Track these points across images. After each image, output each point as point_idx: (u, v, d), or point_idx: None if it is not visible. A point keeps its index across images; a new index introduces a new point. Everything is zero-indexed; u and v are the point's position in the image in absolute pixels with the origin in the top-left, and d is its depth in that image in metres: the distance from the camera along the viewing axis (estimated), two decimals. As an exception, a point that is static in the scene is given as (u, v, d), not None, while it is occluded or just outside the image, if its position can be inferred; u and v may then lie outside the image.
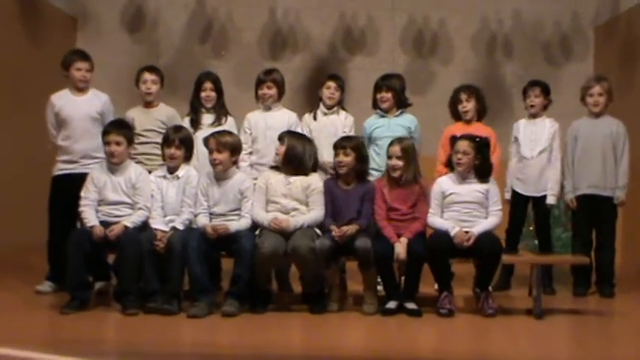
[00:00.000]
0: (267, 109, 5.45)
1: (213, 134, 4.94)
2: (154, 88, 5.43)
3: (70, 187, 5.07)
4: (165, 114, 5.43)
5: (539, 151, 5.68)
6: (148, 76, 5.44)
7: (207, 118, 5.45)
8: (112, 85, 6.16)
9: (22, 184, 6.86)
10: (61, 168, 5.32)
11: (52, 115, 5.35)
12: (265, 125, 5.37)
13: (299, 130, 5.29)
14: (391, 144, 5.06)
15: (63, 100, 5.35)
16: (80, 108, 5.32)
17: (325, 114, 5.53)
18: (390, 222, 5.04)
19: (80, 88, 5.36)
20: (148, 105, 5.48)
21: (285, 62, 7.77)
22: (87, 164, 5.22)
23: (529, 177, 5.71)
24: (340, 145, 5.04)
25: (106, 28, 8.01)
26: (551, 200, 5.69)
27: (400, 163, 4.99)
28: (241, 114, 5.58)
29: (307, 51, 7.89)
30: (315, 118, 5.53)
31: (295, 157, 4.96)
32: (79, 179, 5.01)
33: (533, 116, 5.78)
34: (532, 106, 5.75)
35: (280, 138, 5.03)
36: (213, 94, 5.44)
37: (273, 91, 5.41)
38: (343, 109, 5.59)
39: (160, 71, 5.52)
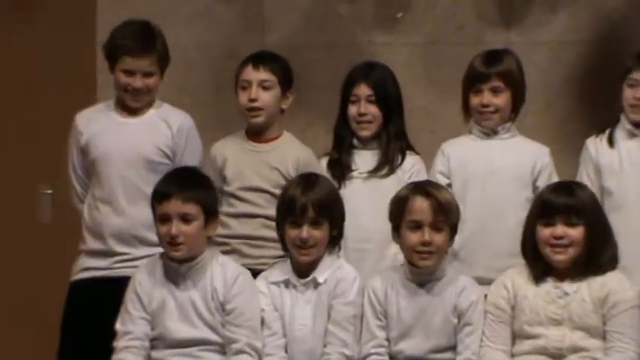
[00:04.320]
0: (489, 134, 4.58)
1: (425, 190, 4.23)
2: (265, 99, 4.54)
3: (100, 306, 4.33)
4: (294, 158, 4.61)
5: None
6: (252, 75, 4.57)
7: (364, 160, 4.65)
8: (183, 94, 5.24)
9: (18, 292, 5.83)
10: (87, 266, 4.51)
11: (77, 152, 4.58)
12: (485, 167, 4.54)
13: (553, 176, 4.55)
14: None
15: (97, 125, 4.60)
16: (126, 142, 4.52)
17: (635, 135, 4.62)
18: None
19: (132, 107, 4.58)
20: (257, 136, 4.63)
21: (532, 32, 5.88)
22: (136, 258, 4.43)
23: None
24: None
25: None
26: None
27: None
28: (436, 144, 4.71)
29: (585, 6, 6.01)
30: (611, 143, 4.61)
31: (596, 250, 4.17)
32: (119, 291, 4.27)
33: None
34: None
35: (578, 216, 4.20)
36: (373, 109, 4.58)
37: (503, 100, 4.51)
38: None
39: (277, 61, 4.67)
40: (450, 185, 4.49)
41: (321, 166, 4.64)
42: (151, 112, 4.59)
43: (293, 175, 4.50)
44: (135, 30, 4.62)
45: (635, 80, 4.43)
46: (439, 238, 4.12)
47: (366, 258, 4.40)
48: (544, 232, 4.06)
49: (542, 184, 4.40)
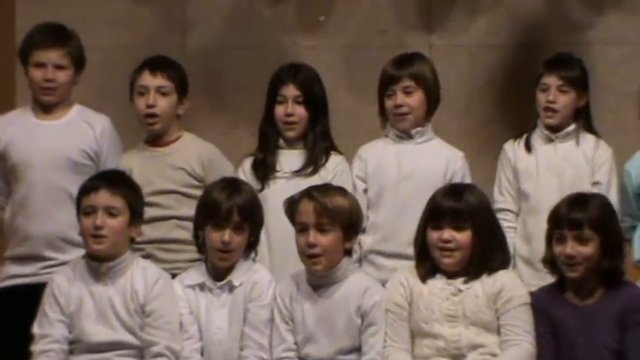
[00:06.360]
0: (403, 138, 4.61)
1: (309, 193, 4.20)
2: (163, 105, 4.55)
3: (25, 313, 4.25)
4: (197, 156, 4.59)
5: None
6: (149, 81, 4.55)
7: (289, 160, 4.63)
8: (103, 97, 5.23)
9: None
10: (12, 274, 4.52)
11: None
12: (398, 172, 4.56)
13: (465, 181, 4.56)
14: None
15: (15, 130, 4.58)
16: (49, 144, 4.51)
17: (551, 140, 4.64)
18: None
19: (47, 105, 4.52)
20: (156, 141, 4.61)
21: (452, 36, 5.84)
22: (62, 263, 4.38)
23: None
24: (570, 219, 4.10)
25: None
26: None
27: None
28: (357, 146, 4.74)
29: (505, 11, 5.90)
30: (528, 148, 4.66)
31: (486, 253, 4.16)
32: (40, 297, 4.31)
33: None
34: None
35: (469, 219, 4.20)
36: (301, 110, 4.56)
37: (416, 100, 4.53)
38: (591, 131, 4.68)
39: (173, 67, 4.66)
40: (365, 190, 4.53)
41: (231, 164, 4.61)
42: (71, 114, 4.59)
43: (200, 172, 4.52)
44: (46, 26, 4.63)
45: (546, 85, 4.52)
46: (325, 240, 4.13)
47: (289, 257, 4.37)
48: (433, 235, 4.11)
49: None
